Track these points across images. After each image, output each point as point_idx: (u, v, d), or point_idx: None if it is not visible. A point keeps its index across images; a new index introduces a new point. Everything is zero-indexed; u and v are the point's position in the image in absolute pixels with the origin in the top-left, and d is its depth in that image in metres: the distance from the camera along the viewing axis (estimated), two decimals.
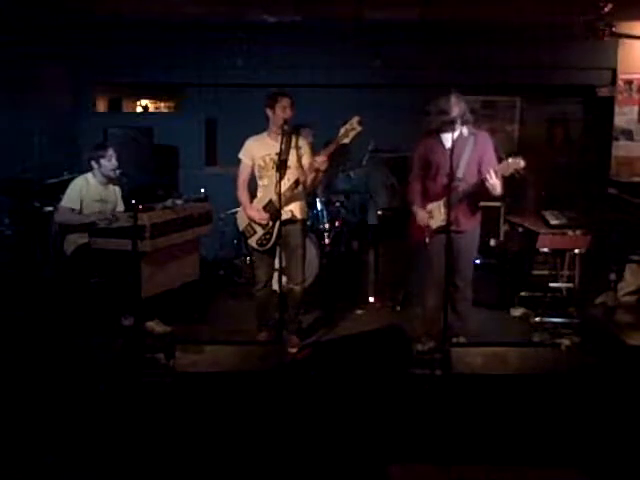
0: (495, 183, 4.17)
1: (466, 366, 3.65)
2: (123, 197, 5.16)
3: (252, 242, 4.58)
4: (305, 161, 4.52)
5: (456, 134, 4.27)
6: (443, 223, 4.26)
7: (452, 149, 4.07)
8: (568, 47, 6.85)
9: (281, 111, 4.38)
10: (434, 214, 4.44)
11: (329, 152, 4.36)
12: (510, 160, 4.15)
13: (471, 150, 4.34)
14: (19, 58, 6.40)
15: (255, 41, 6.94)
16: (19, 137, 6.42)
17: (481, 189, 4.28)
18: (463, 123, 4.34)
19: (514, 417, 3.37)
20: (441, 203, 4.34)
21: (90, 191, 4.94)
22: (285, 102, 4.39)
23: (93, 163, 4.96)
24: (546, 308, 5.26)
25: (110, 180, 5.03)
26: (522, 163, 4.12)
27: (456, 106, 4.24)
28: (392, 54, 6.90)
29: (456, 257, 4.37)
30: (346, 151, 6.08)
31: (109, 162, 4.92)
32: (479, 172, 4.38)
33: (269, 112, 4.46)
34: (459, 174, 4.32)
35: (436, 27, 6.78)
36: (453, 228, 4.24)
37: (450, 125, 4.19)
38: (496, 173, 4.15)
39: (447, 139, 4.27)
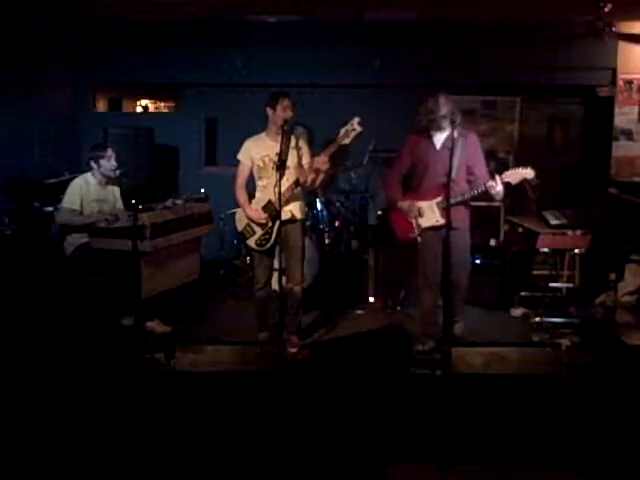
0: (500, 190, 4.18)
1: (466, 366, 3.65)
2: (122, 197, 5.16)
3: (251, 242, 4.58)
4: (304, 161, 4.52)
5: (446, 134, 4.27)
6: (436, 224, 4.26)
7: (452, 150, 4.03)
8: (568, 47, 6.84)
9: (282, 111, 4.38)
10: (425, 213, 4.40)
11: (329, 153, 4.36)
12: (519, 169, 4.15)
13: (461, 151, 4.31)
14: (19, 58, 6.39)
15: (255, 41, 6.94)
16: (19, 137, 6.41)
17: (483, 195, 4.29)
18: (452, 123, 4.32)
19: (514, 417, 3.37)
20: (433, 203, 4.33)
21: (89, 191, 4.94)
22: (286, 102, 4.39)
23: (92, 163, 4.96)
24: (546, 308, 5.26)
25: (109, 180, 5.03)
26: (532, 173, 4.13)
27: (444, 106, 4.24)
28: (392, 54, 6.91)
29: (452, 255, 4.35)
30: (346, 151, 6.08)
31: (108, 162, 4.92)
32: (469, 174, 4.38)
33: (269, 111, 4.45)
34: (452, 176, 4.29)
35: (436, 27, 6.78)
36: (444, 223, 4.21)
37: (437, 125, 4.19)
38: (501, 180, 4.16)
39: (438, 139, 4.28)
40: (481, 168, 4.38)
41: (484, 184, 4.23)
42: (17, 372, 3.92)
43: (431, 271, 4.34)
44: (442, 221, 4.28)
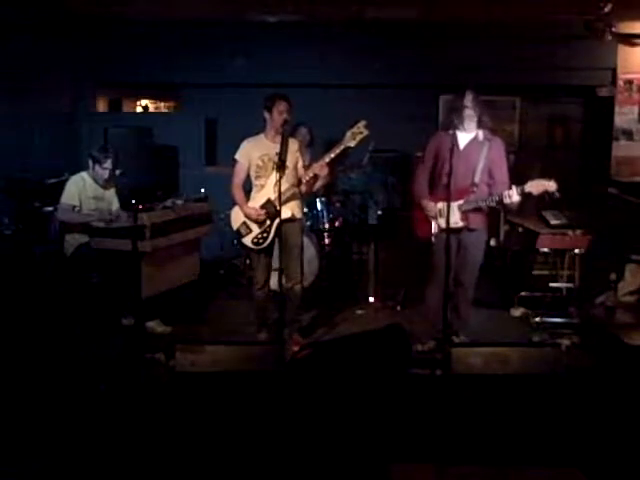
0: (516, 201, 4.15)
1: (466, 366, 3.65)
2: (121, 196, 5.16)
3: (247, 241, 4.58)
4: (301, 163, 4.57)
5: (471, 136, 4.26)
6: (455, 225, 4.24)
7: (452, 148, 4.01)
8: (568, 47, 6.85)
9: (278, 114, 4.41)
10: (445, 214, 4.38)
11: (332, 157, 4.36)
12: (543, 181, 4.11)
13: (485, 156, 4.31)
14: (19, 58, 6.40)
15: (255, 41, 6.95)
16: (19, 137, 6.42)
17: (498, 204, 4.28)
18: (479, 126, 4.32)
19: (514, 417, 3.37)
20: (454, 205, 4.27)
21: (86, 188, 4.95)
22: (282, 106, 4.42)
23: (90, 162, 4.97)
24: (546, 308, 5.26)
25: (101, 186, 5.03)
26: (555, 186, 4.08)
27: (472, 106, 4.22)
28: (392, 54, 6.91)
29: (465, 255, 4.36)
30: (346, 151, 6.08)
31: (102, 171, 4.92)
32: (490, 177, 4.37)
33: (266, 114, 4.48)
34: (476, 179, 4.31)
35: (436, 27, 6.78)
36: (464, 225, 4.29)
37: (463, 124, 4.17)
38: (522, 191, 4.12)
39: (463, 139, 4.26)
40: (502, 174, 4.35)
41: (499, 194, 4.21)
42: (17, 372, 3.92)
43: (442, 270, 4.33)
44: (461, 224, 4.30)
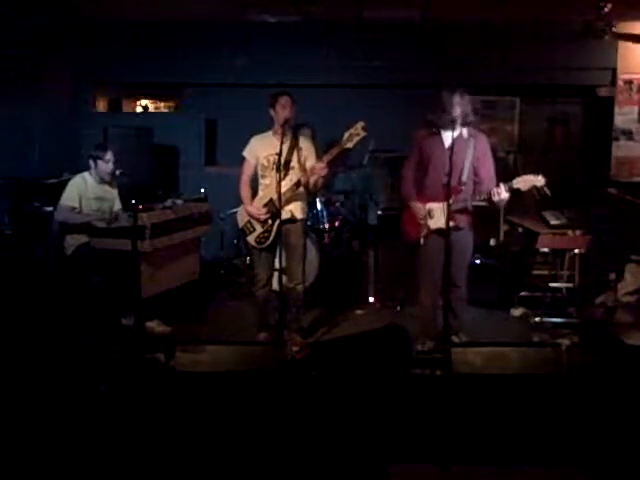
0: (504, 198, 4.11)
1: (466, 366, 3.65)
2: (121, 196, 5.16)
3: (251, 240, 4.59)
4: (308, 163, 4.54)
5: (456, 134, 4.24)
6: (444, 226, 4.23)
7: (452, 149, 4.00)
8: (568, 47, 6.85)
9: (281, 109, 4.42)
10: (435, 215, 4.36)
11: (330, 158, 4.36)
12: (530, 176, 4.07)
13: (471, 154, 4.29)
14: (19, 58, 6.39)
15: (255, 41, 6.95)
16: (19, 137, 6.42)
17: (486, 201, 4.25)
18: (464, 124, 4.30)
19: (514, 417, 3.37)
20: (444, 205, 4.27)
21: (88, 189, 4.95)
22: (284, 100, 4.43)
23: (91, 162, 4.97)
24: (546, 308, 5.26)
25: (105, 182, 5.03)
26: (542, 181, 4.05)
27: (458, 105, 4.22)
28: (392, 54, 6.91)
29: (455, 255, 4.35)
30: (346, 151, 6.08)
31: (105, 165, 4.92)
32: (475, 175, 4.35)
33: (271, 112, 4.50)
34: (464, 178, 4.28)
35: (436, 27, 6.78)
36: (452, 225, 4.21)
37: (450, 124, 4.16)
38: (510, 187, 4.09)
39: (447, 138, 4.25)
40: (487, 170, 4.34)
41: (487, 192, 4.17)
42: (17, 372, 3.92)
43: (431, 270, 4.33)
44: (450, 224, 4.28)
